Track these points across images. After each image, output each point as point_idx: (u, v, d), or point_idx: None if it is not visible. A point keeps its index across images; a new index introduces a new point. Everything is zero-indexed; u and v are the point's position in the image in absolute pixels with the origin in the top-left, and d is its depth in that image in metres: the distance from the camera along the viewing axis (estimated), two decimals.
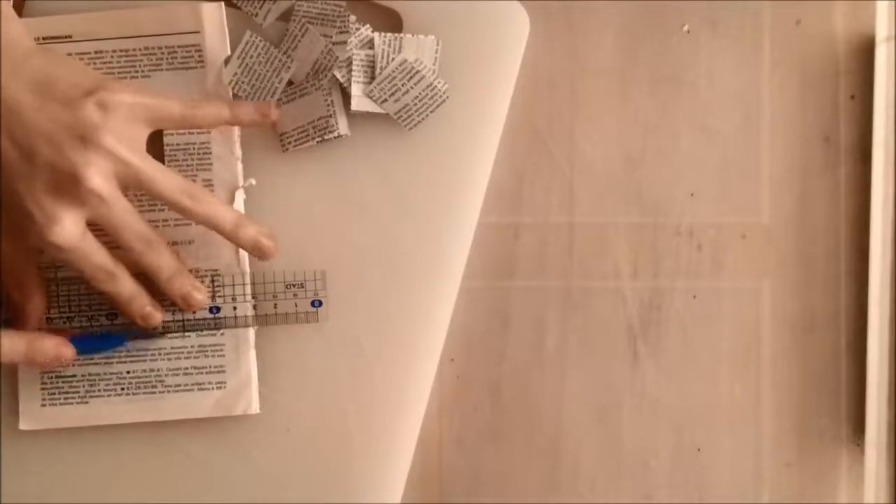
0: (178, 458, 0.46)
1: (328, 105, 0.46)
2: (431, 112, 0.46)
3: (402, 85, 0.46)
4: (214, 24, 0.46)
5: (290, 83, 0.46)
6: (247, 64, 0.46)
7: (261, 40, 0.46)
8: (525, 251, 0.49)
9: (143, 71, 0.46)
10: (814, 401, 0.50)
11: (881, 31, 0.49)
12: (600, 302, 0.49)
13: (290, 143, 0.46)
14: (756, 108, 0.50)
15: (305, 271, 0.46)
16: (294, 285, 0.46)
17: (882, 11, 0.49)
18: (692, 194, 0.50)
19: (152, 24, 0.46)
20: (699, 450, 0.50)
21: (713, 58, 0.50)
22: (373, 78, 0.46)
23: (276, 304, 0.46)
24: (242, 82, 0.46)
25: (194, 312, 0.45)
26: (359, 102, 0.46)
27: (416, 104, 0.46)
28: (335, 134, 0.46)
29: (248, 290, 0.46)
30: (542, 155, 0.49)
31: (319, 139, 0.46)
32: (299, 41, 0.46)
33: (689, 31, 0.50)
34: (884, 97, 0.49)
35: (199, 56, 0.46)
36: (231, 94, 0.46)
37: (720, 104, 0.50)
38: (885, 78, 0.48)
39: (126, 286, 0.43)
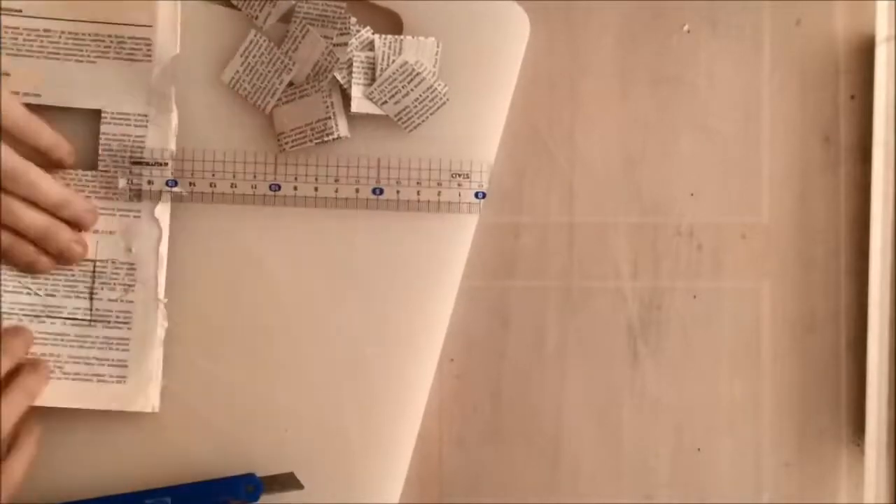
0: (170, 457, 0.47)
1: (328, 107, 0.46)
2: (432, 114, 0.46)
3: (403, 87, 0.46)
4: (168, 20, 0.46)
5: (289, 84, 0.46)
6: (249, 63, 0.46)
7: (264, 40, 0.46)
8: (525, 251, 0.49)
9: (88, 56, 0.45)
10: (814, 401, 0.50)
11: (881, 31, 0.49)
12: (600, 302, 0.49)
13: (287, 143, 0.46)
14: (756, 108, 0.50)
15: (472, 161, 0.47)
16: (459, 175, 0.46)
17: (882, 11, 0.49)
18: (692, 194, 0.50)
19: (105, 11, 0.45)
20: (699, 450, 0.50)
21: (713, 58, 0.49)
22: (373, 80, 0.46)
23: (440, 192, 0.46)
24: (243, 81, 0.46)
25: (357, 192, 0.46)
26: (359, 104, 0.46)
27: (416, 106, 0.46)
28: (334, 136, 0.46)
29: (413, 174, 0.46)
30: (542, 155, 0.49)
31: (318, 141, 0.46)
32: (300, 42, 0.46)
33: (689, 31, 0.49)
34: (884, 97, 0.48)
35: (148, 50, 0.46)
36: (173, 96, 0.46)
37: (720, 104, 0.50)
38: (885, 78, 0.48)
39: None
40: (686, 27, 0.49)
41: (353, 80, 0.46)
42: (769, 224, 0.50)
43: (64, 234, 0.45)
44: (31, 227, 0.44)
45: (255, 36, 0.46)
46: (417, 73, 0.45)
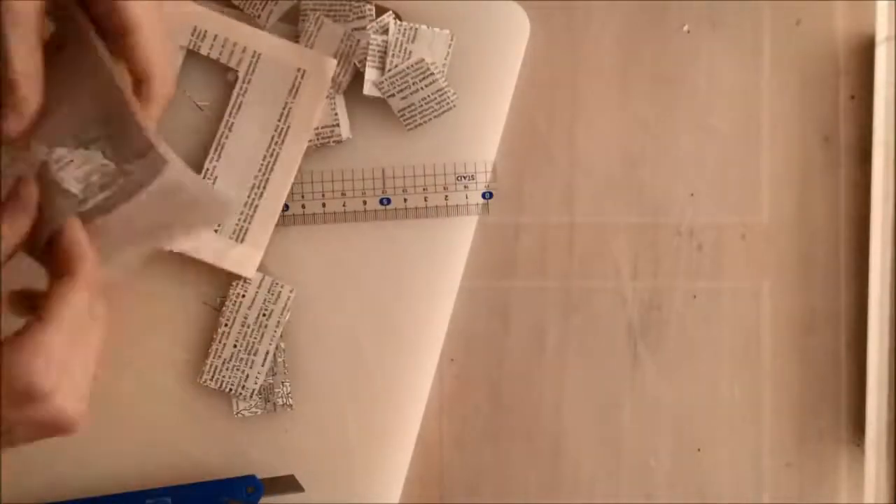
0: (169, 457, 0.47)
1: (334, 115, 0.45)
2: (436, 116, 0.46)
3: (413, 83, 0.46)
4: None
5: None
6: None
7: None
8: (525, 251, 0.49)
9: None
10: (814, 401, 0.50)
11: (881, 31, 0.49)
12: (600, 302, 0.49)
13: None
14: (756, 108, 0.50)
15: (476, 162, 0.47)
16: (465, 177, 0.47)
17: (882, 11, 0.49)
18: (692, 194, 0.50)
19: None
20: (699, 450, 0.50)
21: (713, 58, 0.49)
22: (384, 65, 0.46)
23: (447, 196, 0.47)
24: None
25: (365, 203, 0.46)
26: (371, 88, 0.45)
27: (422, 105, 0.46)
28: (338, 139, 0.46)
29: (419, 181, 0.46)
30: (543, 155, 0.49)
31: (322, 143, 0.46)
32: (315, 37, 0.45)
33: (689, 31, 0.49)
34: (883, 97, 0.48)
35: None
36: None
37: (720, 104, 0.50)
38: (885, 78, 0.48)
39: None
40: (686, 27, 0.49)
41: (368, 63, 0.45)
42: (769, 224, 0.50)
43: None
44: None
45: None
46: (430, 73, 0.45)
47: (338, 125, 0.45)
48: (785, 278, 0.50)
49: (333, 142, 0.46)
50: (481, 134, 0.47)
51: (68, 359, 0.35)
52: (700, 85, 0.50)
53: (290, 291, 0.46)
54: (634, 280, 0.49)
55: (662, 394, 0.49)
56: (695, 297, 0.50)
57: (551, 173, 0.49)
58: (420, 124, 0.46)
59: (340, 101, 0.46)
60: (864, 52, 0.50)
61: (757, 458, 0.50)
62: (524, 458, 0.49)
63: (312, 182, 0.47)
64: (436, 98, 0.46)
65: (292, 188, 0.46)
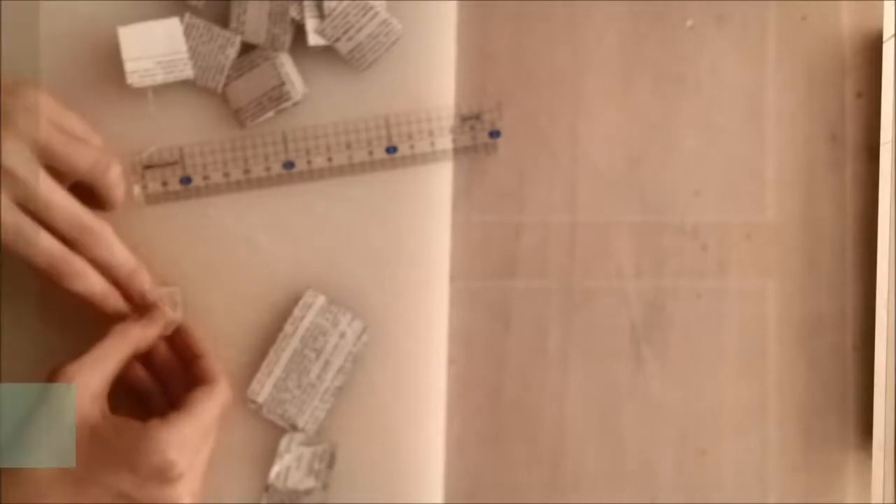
0: None
1: (280, 74, 0.44)
2: (385, 51, 0.45)
3: (356, 22, 0.45)
4: None
5: (243, 53, 0.45)
6: (190, 46, 0.45)
7: (201, 21, 0.45)
8: (526, 251, 0.49)
9: None
10: (820, 403, 0.49)
11: (889, 28, 0.49)
12: (603, 302, 0.49)
13: (247, 117, 0.46)
14: (761, 106, 0.49)
15: (481, 102, 0.46)
16: (470, 117, 0.46)
17: (889, 8, 0.49)
18: (696, 193, 0.49)
19: None
20: (704, 453, 0.49)
21: (718, 54, 0.49)
22: (322, 12, 0.44)
23: (454, 139, 0.46)
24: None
25: (371, 153, 0.46)
26: (314, 38, 0.45)
27: (369, 42, 0.45)
28: (293, 100, 0.45)
29: (424, 126, 0.46)
30: (544, 153, 0.49)
31: (277, 108, 0.45)
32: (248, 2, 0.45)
33: (692, 27, 0.49)
34: (891, 95, 0.48)
35: None
36: None
37: (725, 101, 0.49)
38: (893, 75, 0.48)
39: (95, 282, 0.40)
40: (690, 22, 0.49)
41: (307, 13, 0.44)
42: (775, 223, 0.49)
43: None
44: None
45: (191, 19, 0.45)
46: (371, 7, 0.44)
47: (284, 84, 0.44)
48: (791, 278, 0.49)
49: (286, 101, 0.45)
50: (437, 60, 0.46)
51: (195, 455, 0.39)
52: (704, 82, 0.49)
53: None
54: (638, 280, 0.49)
55: (666, 395, 0.49)
56: (699, 297, 0.49)
57: (553, 171, 0.49)
58: (372, 62, 0.46)
59: (287, 60, 0.45)
60: (872, 50, 0.49)
61: (762, 460, 0.49)
62: (526, 460, 0.49)
63: (317, 137, 0.46)
64: (381, 31, 0.45)
65: (297, 144, 0.46)
